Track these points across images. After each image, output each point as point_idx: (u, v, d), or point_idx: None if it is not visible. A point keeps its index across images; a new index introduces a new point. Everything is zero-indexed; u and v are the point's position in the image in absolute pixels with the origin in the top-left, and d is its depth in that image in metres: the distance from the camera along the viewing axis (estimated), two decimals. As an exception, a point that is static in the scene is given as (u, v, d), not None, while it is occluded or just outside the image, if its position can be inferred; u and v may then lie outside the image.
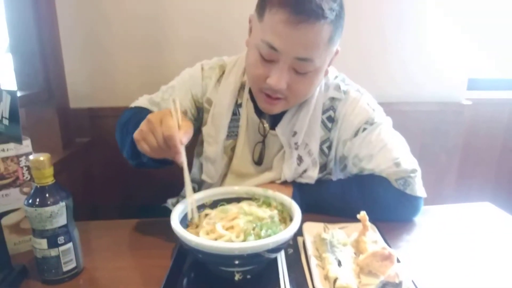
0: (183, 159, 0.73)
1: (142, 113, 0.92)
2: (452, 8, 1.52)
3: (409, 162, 0.95)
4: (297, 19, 0.77)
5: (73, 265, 0.73)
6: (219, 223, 0.73)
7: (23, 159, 0.81)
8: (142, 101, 1.05)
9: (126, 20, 1.42)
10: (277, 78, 0.84)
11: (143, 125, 0.74)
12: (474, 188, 1.79)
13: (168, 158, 0.75)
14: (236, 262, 0.67)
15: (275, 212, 0.78)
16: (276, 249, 0.68)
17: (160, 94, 1.05)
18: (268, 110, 0.94)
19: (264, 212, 0.76)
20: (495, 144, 1.77)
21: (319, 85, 0.97)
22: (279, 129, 0.98)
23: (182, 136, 0.71)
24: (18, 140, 0.75)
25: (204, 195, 0.84)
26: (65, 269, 0.72)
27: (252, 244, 0.65)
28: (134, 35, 1.44)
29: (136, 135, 0.75)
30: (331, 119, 1.00)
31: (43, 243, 0.69)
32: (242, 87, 1.01)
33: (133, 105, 1.06)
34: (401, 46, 1.54)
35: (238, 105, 1.01)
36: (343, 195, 0.95)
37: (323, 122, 1.00)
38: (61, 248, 0.71)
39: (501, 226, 0.96)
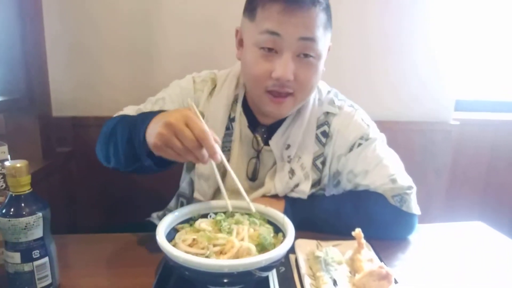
0: (222, 158, 0.73)
1: (128, 119, 0.86)
2: (440, 31, 1.56)
3: (404, 178, 0.94)
4: (292, 7, 0.80)
5: (48, 281, 0.68)
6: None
7: (-2, 165, 0.76)
8: (128, 111, 1.00)
9: (114, 26, 1.39)
10: (283, 68, 0.83)
11: (162, 129, 0.68)
12: (462, 206, 1.80)
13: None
14: (225, 280, 0.63)
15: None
16: (269, 267, 0.65)
17: (149, 106, 1.01)
18: (277, 113, 0.92)
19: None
20: (481, 163, 1.80)
21: (320, 79, 0.94)
22: (273, 141, 0.97)
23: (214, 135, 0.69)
24: (-6, 146, 0.70)
25: (193, 208, 0.80)
26: (39, 285, 0.67)
27: (243, 262, 0.61)
28: (123, 43, 1.41)
29: (156, 140, 0.69)
30: (326, 134, 0.99)
31: (16, 257, 0.64)
32: (235, 100, 0.99)
33: (118, 114, 1.01)
34: (390, 67, 1.58)
35: (231, 119, 0.99)
36: (337, 211, 0.92)
37: (317, 137, 0.99)
38: (36, 263, 0.66)
39: (494, 245, 0.95)
